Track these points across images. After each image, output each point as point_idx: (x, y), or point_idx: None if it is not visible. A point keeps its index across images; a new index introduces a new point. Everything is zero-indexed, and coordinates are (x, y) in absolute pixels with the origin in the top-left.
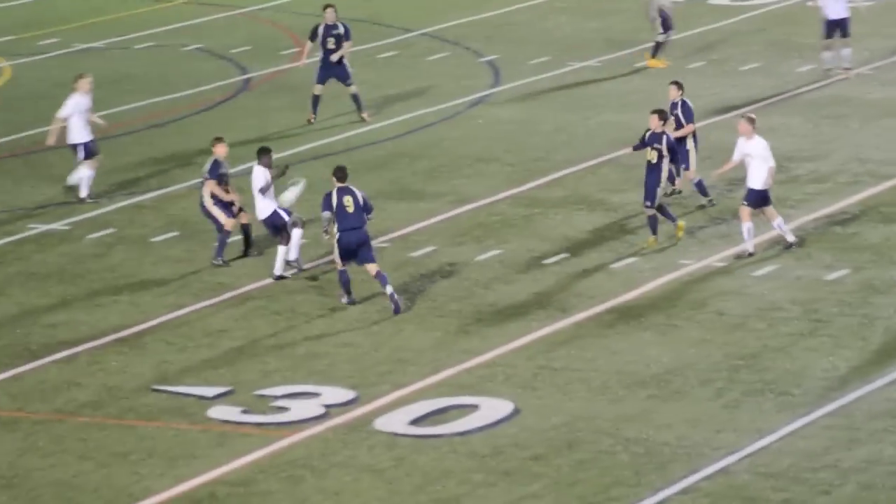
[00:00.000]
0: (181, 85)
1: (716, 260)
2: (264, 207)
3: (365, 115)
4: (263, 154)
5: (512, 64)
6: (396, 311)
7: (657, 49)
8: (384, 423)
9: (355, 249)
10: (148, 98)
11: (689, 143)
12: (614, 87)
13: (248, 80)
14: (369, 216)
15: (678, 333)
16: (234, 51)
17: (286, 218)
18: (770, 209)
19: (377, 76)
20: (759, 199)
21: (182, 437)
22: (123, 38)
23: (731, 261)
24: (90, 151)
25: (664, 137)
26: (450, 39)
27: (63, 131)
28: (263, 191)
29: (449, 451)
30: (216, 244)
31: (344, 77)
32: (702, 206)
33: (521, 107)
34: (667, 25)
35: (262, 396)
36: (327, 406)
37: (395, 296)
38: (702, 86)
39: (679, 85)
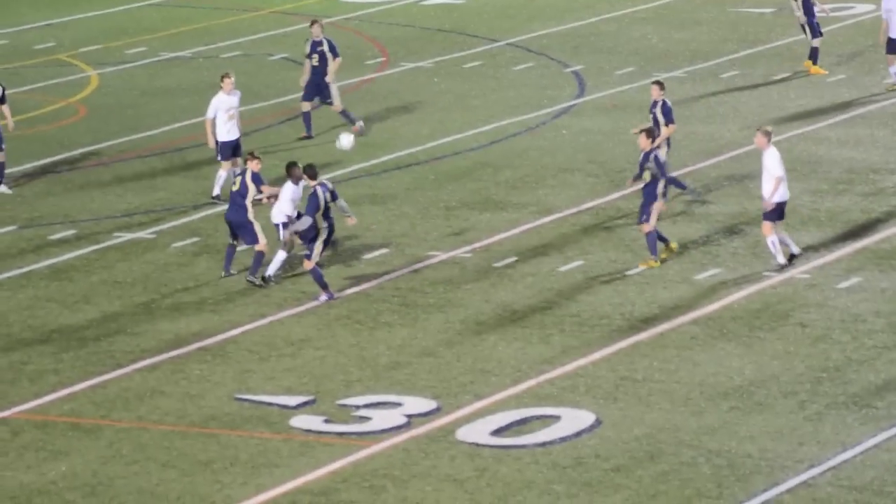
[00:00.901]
0: (267, 94)
1: (799, 272)
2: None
3: (357, 126)
4: (292, 167)
5: (597, 74)
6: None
7: (815, 56)
8: (466, 434)
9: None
10: None
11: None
12: (700, 97)
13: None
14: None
15: (761, 345)
16: None
17: (284, 231)
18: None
19: (462, 86)
20: (777, 212)
21: (264, 446)
22: (210, 46)
23: (814, 273)
24: (229, 151)
25: (653, 156)
26: (535, 50)
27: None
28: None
29: (531, 461)
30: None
31: (325, 96)
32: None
33: (605, 118)
34: (815, 31)
35: (344, 406)
36: (409, 416)
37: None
38: (787, 97)
39: (661, 85)
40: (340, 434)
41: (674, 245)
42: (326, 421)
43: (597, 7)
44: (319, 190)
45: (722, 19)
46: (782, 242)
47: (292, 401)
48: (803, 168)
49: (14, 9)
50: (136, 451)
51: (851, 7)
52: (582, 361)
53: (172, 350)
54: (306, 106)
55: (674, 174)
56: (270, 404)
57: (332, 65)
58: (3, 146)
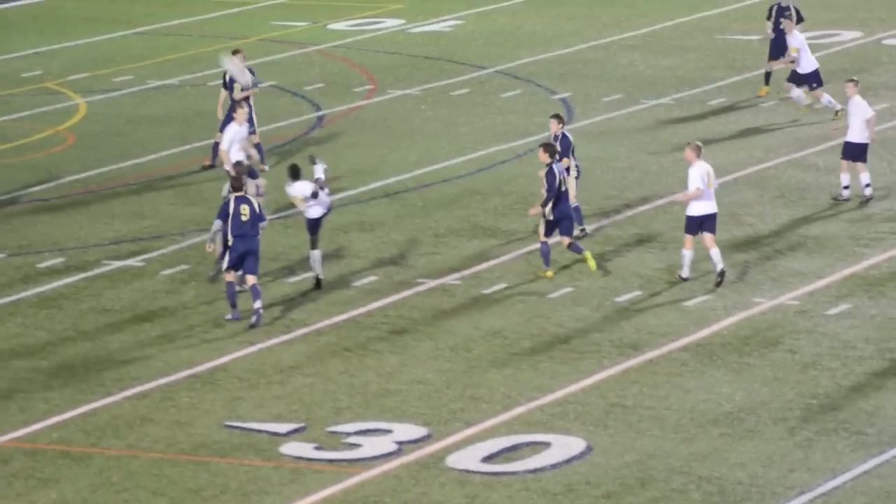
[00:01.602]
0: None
1: (788, 299)
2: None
3: (265, 166)
4: (296, 171)
5: (584, 101)
6: (254, 325)
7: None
8: (456, 461)
9: (243, 257)
10: None
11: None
12: (687, 124)
13: (321, 118)
14: (262, 226)
15: (751, 372)
16: (307, 88)
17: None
18: (709, 236)
19: (450, 113)
20: (694, 226)
21: (254, 474)
22: (196, 75)
23: (804, 299)
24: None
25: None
26: (522, 77)
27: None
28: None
29: (521, 488)
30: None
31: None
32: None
33: (593, 144)
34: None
35: (335, 433)
36: (399, 443)
37: (261, 311)
38: (774, 123)
39: (560, 118)
40: (331, 461)
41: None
42: (317, 448)
43: (584, 34)
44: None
45: (709, 46)
46: (711, 259)
47: (282, 428)
48: (791, 195)
49: (2, 37)
50: (126, 478)
51: (837, 34)
52: (572, 388)
53: (162, 378)
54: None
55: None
56: (260, 431)
57: (246, 92)
58: None
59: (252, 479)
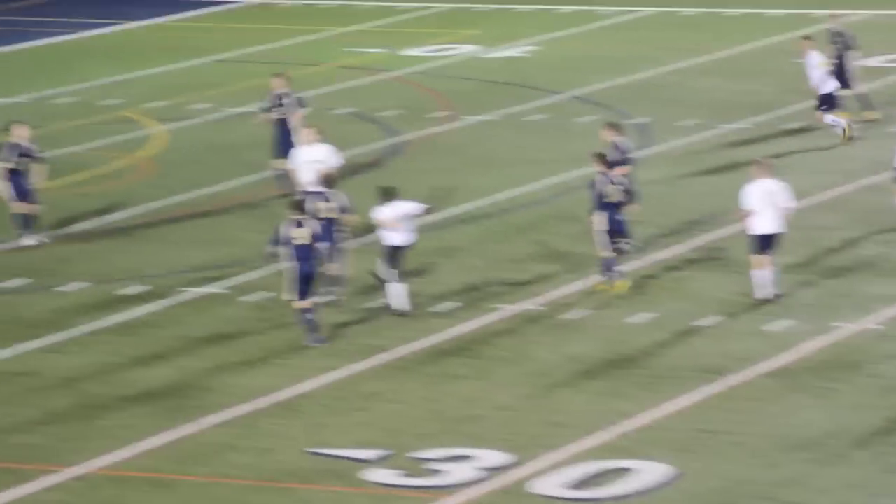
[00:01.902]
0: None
1: (870, 323)
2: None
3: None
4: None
5: (661, 126)
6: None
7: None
8: (540, 487)
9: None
10: None
11: None
12: (765, 148)
13: (397, 144)
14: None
15: (834, 397)
16: (383, 114)
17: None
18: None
19: (526, 139)
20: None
21: (338, 501)
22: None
23: (886, 324)
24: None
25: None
26: (598, 102)
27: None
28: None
29: None
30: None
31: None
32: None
33: (671, 168)
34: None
35: (418, 459)
36: (483, 469)
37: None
38: (852, 147)
39: (615, 127)
40: (414, 487)
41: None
42: (400, 474)
43: (660, 59)
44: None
45: (787, 70)
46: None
47: (365, 454)
48: (870, 219)
49: (81, 67)
50: None
51: None
52: (655, 414)
53: (245, 405)
54: (278, 163)
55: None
56: (344, 458)
57: (298, 116)
58: (33, 199)
59: None
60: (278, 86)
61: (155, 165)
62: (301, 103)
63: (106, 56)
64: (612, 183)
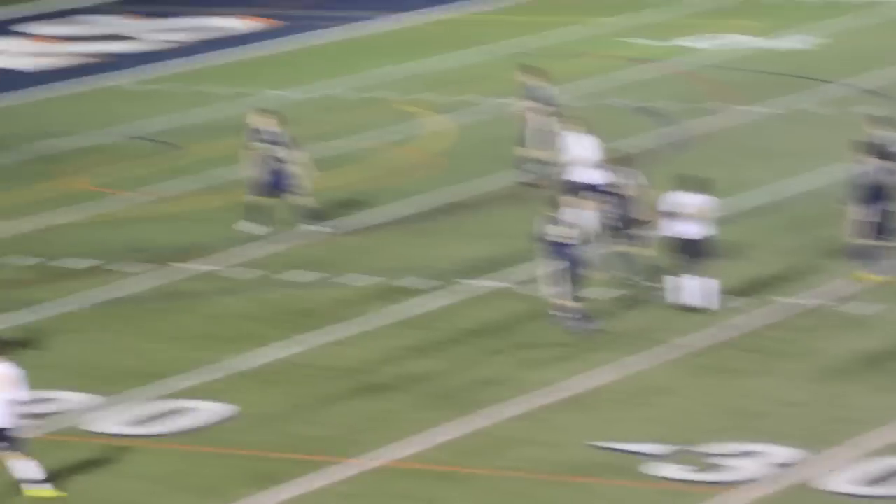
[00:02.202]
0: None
1: None
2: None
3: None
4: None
5: None
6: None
7: None
8: (830, 483)
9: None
10: None
11: None
12: None
13: (672, 135)
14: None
15: None
16: (657, 104)
17: None
18: None
19: (806, 131)
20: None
21: (626, 495)
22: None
23: None
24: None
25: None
26: (886, 94)
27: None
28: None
29: None
30: None
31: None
32: None
33: None
34: None
35: (705, 454)
36: (772, 465)
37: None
38: None
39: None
40: (704, 483)
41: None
42: (689, 469)
43: None
44: None
45: None
46: None
47: (653, 449)
48: None
49: (362, 60)
50: (501, 499)
51: None
52: None
53: (533, 398)
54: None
55: None
56: (631, 452)
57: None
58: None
59: (624, 500)
60: (530, 79)
61: (435, 158)
62: (549, 98)
63: (388, 50)
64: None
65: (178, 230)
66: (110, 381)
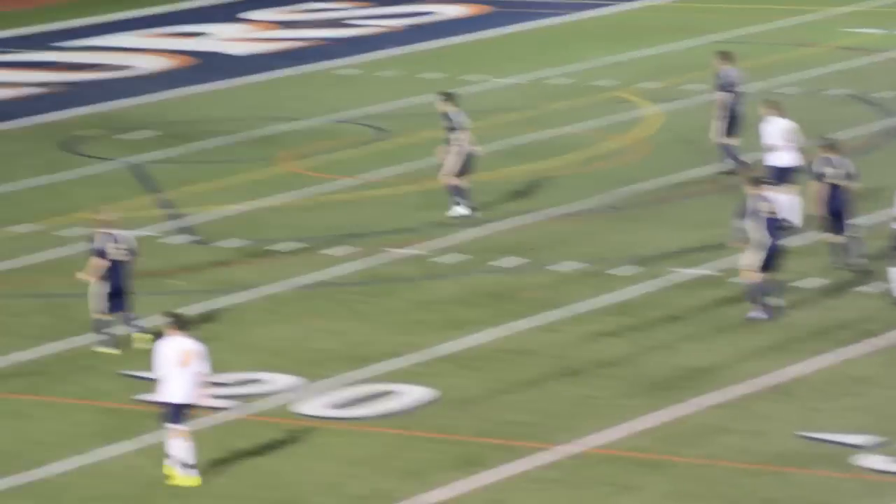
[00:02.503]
0: (820, 131)
1: None
2: None
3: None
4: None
5: None
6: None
7: None
8: None
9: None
10: None
11: None
12: None
13: (894, 126)
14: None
15: None
16: (880, 95)
17: None
18: None
19: None
20: None
21: (831, 486)
22: (767, 82)
23: None
24: (781, 176)
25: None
26: None
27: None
28: None
29: None
30: None
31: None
32: None
33: None
34: None
35: None
36: None
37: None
38: None
39: None
40: None
41: None
42: (894, 461)
43: None
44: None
45: None
46: None
47: (859, 440)
48: None
49: (577, 47)
50: (702, 487)
51: None
52: None
53: (737, 387)
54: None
55: None
56: (837, 443)
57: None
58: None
59: (829, 490)
60: (725, 66)
61: (648, 146)
62: (740, 84)
63: (602, 36)
64: None
65: (387, 214)
66: (315, 364)
